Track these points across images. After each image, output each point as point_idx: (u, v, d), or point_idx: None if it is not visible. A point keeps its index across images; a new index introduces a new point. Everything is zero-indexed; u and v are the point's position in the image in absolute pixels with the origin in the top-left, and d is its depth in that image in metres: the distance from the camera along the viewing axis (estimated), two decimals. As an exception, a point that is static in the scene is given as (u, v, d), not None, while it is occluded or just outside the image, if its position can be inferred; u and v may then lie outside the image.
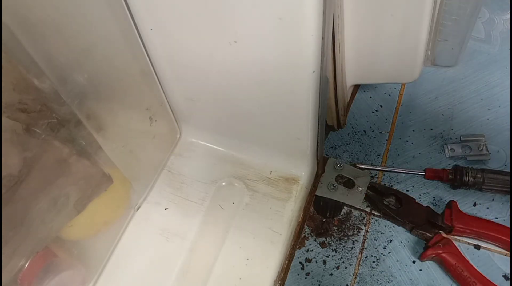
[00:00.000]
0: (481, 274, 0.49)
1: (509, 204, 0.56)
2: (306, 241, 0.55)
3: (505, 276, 0.51)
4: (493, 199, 0.57)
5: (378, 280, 0.53)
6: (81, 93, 0.40)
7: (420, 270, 0.53)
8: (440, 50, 0.54)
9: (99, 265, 0.49)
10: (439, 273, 0.52)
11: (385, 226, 0.56)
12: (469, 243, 0.53)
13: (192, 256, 0.50)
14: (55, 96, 0.36)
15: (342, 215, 0.57)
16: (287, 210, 0.52)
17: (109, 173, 0.45)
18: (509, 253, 0.52)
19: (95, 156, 0.43)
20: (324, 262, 0.54)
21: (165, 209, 0.53)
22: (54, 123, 0.38)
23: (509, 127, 0.63)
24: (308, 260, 0.54)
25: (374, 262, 0.54)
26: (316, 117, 0.44)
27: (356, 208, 0.58)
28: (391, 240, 0.55)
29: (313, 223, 0.56)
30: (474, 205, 0.57)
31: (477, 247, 0.53)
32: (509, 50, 0.72)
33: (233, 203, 0.53)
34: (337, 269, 0.54)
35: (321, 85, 0.40)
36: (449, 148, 0.62)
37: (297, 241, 0.54)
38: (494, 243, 0.53)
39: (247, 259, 0.49)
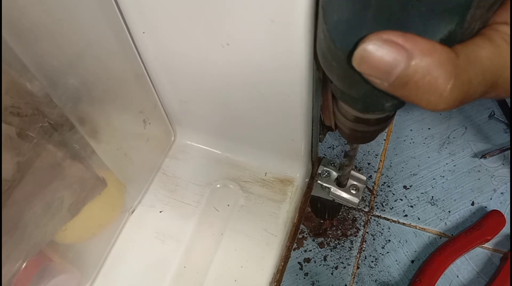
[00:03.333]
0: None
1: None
2: (304, 242, 0.55)
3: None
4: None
5: (376, 280, 0.53)
6: (74, 97, 0.39)
7: (417, 270, 0.53)
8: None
9: (94, 269, 0.49)
10: (436, 273, 0.52)
11: (384, 226, 0.56)
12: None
13: (187, 258, 0.50)
14: (47, 100, 0.36)
15: (340, 215, 0.57)
16: (282, 212, 0.52)
17: (103, 176, 0.45)
18: (509, 251, 0.52)
19: (89, 160, 0.43)
20: (323, 262, 0.54)
21: (160, 211, 0.53)
22: (47, 127, 0.38)
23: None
24: (307, 260, 0.54)
25: (372, 262, 0.54)
26: (310, 118, 0.44)
27: (354, 209, 0.58)
28: (389, 240, 0.55)
29: (311, 224, 0.56)
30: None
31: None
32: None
33: (228, 205, 0.53)
34: (336, 269, 0.53)
35: (314, 87, 0.40)
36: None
37: (292, 242, 0.54)
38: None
39: (243, 261, 0.49)
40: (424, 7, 0.18)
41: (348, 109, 0.28)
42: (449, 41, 0.18)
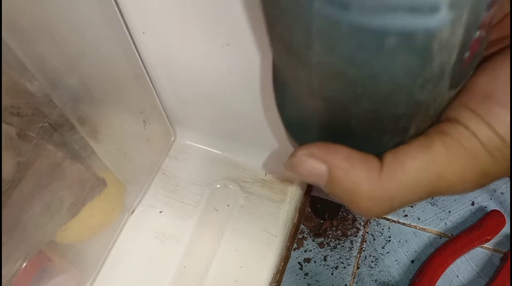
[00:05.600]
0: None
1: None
2: (304, 242, 0.55)
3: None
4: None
5: (376, 280, 0.53)
6: (74, 97, 0.39)
7: (417, 270, 0.53)
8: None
9: (94, 269, 0.49)
10: (436, 273, 0.52)
11: (384, 226, 0.56)
12: (466, 243, 0.53)
13: (187, 258, 0.50)
14: (47, 100, 0.36)
15: (340, 215, 0.57)
16: (282, 212, 0.52)
17: (103, 176, 0.45)
18: (509, 251, 0.52)
19: (89, 160, 0.43)
20: (323, 263, 0.54)
21: (160, 212, 0.53)
22: (47, 127, 0.38)
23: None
24: (307, 261, 0.54)
25: (372, 262, 0.54)
26: (310, 118, 0.44)
27: (353, 209, 0.58)
28: (389, 240, 0.55)
29: (311, 224, 0.56)
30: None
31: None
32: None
33: (228, 205, 0.53)
34: (336, 269, 0.53)
35: (314, 87, 0.40)
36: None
37: (292, 242, 0.54)
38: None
39: (243, 261, 0.49)
40: (366, 126, 0.18)
41: None
42: (397, 146, 0.18)
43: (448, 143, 0.17)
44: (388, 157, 0.17)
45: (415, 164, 0.17)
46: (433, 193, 0.17)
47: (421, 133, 0.18)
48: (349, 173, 0.17)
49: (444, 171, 0.17)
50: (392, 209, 0.18)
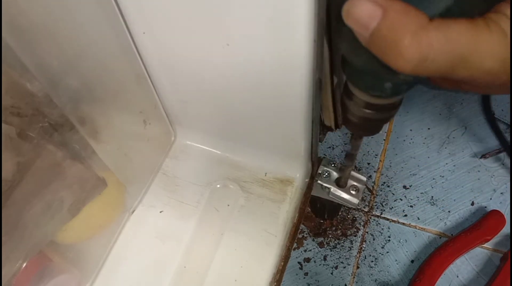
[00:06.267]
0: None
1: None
2: (304, 241, 0.55)
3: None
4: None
5: (376, 279, 0.53)
6: (75, 97, 0.39)
7: (417, 270, 0.53)
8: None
9: (94, 269, 0.49)
10: (436, 273, 0.52)
11: (383, 226, 0.56)
12: (466, 243, 0.53)
13: (187, 258, 0.50)
14: (47, 100, 0.36)
15: (340, 215, 0.57)
16: (282, 212, 0.52)
17: (103, 176, 0.45)
18: (509, 251, 0.52)
19: (89, 160, 0.43)
20: (323, 262, 0.54)
21: (160, 212, 0.53)
22: (47, 127, 0.38)
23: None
24: (307, 260, 0.54)
25: (372, 261, 0.54)
26: (310, 118, 0.44)
27: (354, 208, 0.58)
28: (389, 240, 0.55)
29: (311, 224, 0.56)
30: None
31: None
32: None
33: (228, 205, 0.53)
34: (336, 269, 0.53)
35: (314, 87, 0.40)
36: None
37: (292, 242, 0.54)
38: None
39: (243, 261, 0.49)
40: None
41: (358, 94, 0.30)
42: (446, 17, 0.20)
43: (490, 24, 0.20)
44: (437, 20, 0.20)
45: (460, 27, 0.19)
46: (465, 61, 0.20)
47: (471, 16, 0.20)
48: (403, 14, 0.19)
49: (481, 43, 0.19)
50: (426, 61, 0.20)
